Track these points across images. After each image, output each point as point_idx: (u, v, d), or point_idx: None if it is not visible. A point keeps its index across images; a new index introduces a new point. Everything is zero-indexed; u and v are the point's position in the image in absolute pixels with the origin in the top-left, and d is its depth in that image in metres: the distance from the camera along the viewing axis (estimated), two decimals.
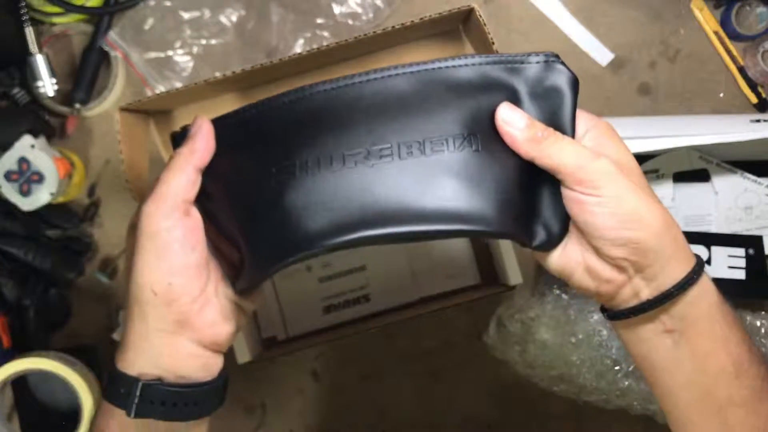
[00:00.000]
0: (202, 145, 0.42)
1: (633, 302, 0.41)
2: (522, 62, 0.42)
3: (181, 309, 0.41)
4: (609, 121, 0.43)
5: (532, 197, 0.43)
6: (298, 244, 0.41)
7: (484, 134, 0.42)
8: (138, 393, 0.39)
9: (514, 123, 0.41)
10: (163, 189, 0.41)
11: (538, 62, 0.42)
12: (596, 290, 0.43)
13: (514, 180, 0.42)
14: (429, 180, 0.41)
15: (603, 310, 0.44)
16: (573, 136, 0.42)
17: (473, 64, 0.42)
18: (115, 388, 0.40)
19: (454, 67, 0.42)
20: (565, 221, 0.42)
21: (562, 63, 0.42)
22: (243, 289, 0.44)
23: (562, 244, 0.43)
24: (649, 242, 0.39)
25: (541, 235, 0.43)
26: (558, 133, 0.41)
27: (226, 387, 0.45)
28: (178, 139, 0.44)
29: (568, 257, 0.43)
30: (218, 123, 0.44)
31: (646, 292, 0.41)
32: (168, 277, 0.40)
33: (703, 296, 0.41)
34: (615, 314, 0.43)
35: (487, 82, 0.42)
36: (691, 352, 0.41)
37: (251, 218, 0.42)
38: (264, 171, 0.42)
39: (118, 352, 0.41)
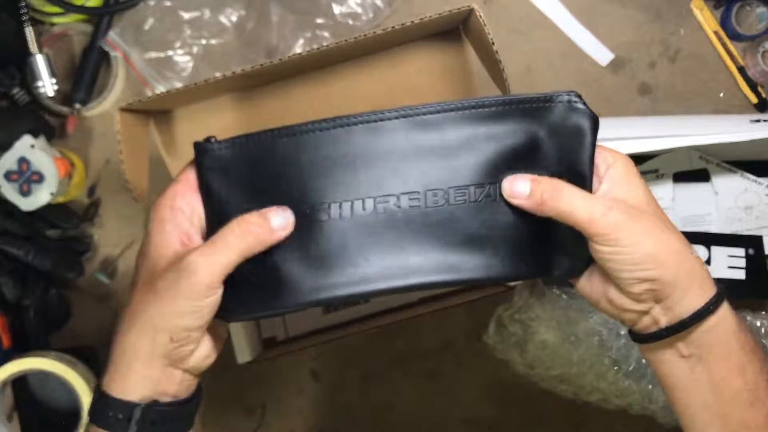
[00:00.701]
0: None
1: (652, 329, 0.43)
2: (543, 103, 0.43)
3: (184, 350, 0.42)
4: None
5: (552, 238, 0.44)
6: (315, 290, 0.42)
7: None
8: (139, 416, 0.41)
9: (519, 195, 0.42)
10: (219, 260, 0.40)
11: (560, 102, 0.43)
12: (618, 317, 0.44)
13: (533, 226, 0.43)
14: (451, 229, 0.42)
15: (629, 331, 0.46)
16: (591, 174, 0.43)
17: (494, 105, 0.43)
18: (111, 414, 0.41)
19: (475, 107, 0.42)
20: (586, 256, 0.43)
21: (583, 102, 0.43)
22: (231, 320, 0.44)
23: (587, 274, 0.45)
24: (665, 277, 0.41)
25: (561, 269, 0.45)
26: (567, 187, 0.41)
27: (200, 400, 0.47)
28: (201, 151, 0.43)
29: (593, 287, 0.45)
30: (240, 141, 0.43)
31: (664, 321, 0.42)
32: (193, 330, 0.41)
33: (721, 325, 0.42)
34: (636, 338, 0.45)
35: (507, 125, 0.43)
36: (707, 377, 0.42)
37: (264, 255, 0.42)
38: (289, 205, 0.42)
39: (110, 379, 0.41)
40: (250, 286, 0.42)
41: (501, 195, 0.43)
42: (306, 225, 0.42)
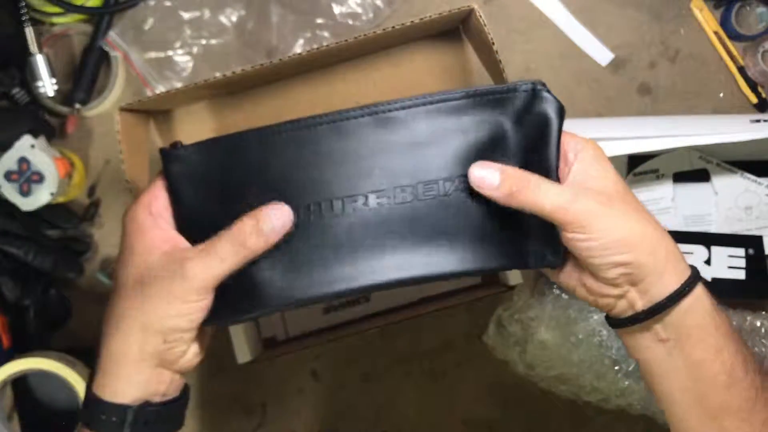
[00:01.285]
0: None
1: (629, 312, 0.43)
2: (508, 93, 0.43)
3: (177, 351, 0.42)
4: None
5: (526, 229, 0.44)
6: (289, 292, 0.42)
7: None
8: (132, 418, 0.41)
9: (488, 183, 0.41)
10: (217, 269, 0.40)
11: (525, 91, 0.43)
12: (594, 303, 0.44)
13: (505, 217, 0.43)
14: (422, 224, 0.42)
15: (606, 316, 0.46)
16: (558, 162, 0.43)
17: (459, 98, 0.43)
18: (104, 417, 0.41)
19: (441, 101, 0.43)
20: (561, 246, 0.43)
21: (548, 91, 0.43)
22: (214, 324, 0.44)
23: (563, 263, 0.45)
24: (639, 260, 0.41)
25: (538, 260, 0.44)
26: (535, 178, 0.41)
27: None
28: (168, 157, 0.43)
29: (569, 274, 0.45)
30: (207, 145, 0.43)
31: (640, 304, 0.42)
32: (186, 331, 0.41)
33: (697, 307, 0.42)
34: (613, 323, 0.45)
35: (473, 117, 0.43)
36: (684, 361, 0.42)
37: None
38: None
39: (100, 383, 0.42)
40: (227, 291, 0.42)
41: (471, 187, 0.42)
42: None
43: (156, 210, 0.43)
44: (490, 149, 0.43)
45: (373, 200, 0.42)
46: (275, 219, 0.41)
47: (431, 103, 0.43)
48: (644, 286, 0.41)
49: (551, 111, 0.42)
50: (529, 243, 0.44)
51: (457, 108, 0.43)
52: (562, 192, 0.41)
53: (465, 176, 0.42)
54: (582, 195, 0.41)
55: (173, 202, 0.43)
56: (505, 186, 0.41)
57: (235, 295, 0.42)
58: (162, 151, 0.43)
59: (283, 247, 0.42)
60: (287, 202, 0.42)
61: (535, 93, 0.43)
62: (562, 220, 0.40)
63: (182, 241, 0.42)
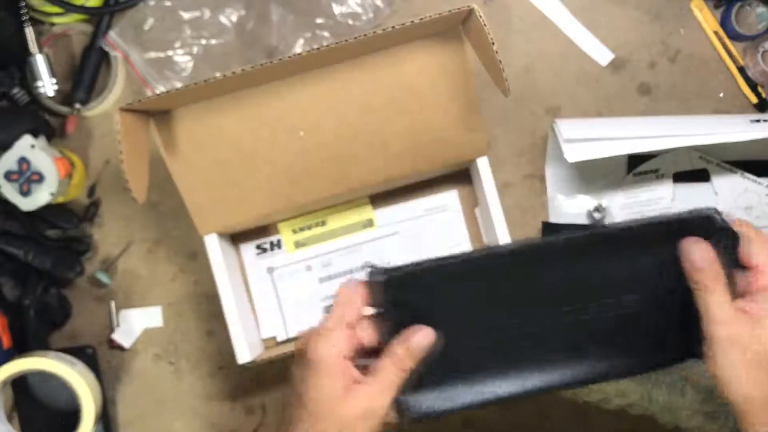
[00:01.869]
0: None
1: None
2: (684, 222, 0.45)
3: None
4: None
5: (692, 332, 0.47)
6: (480, 392, 0.48)
7: (648, 291, 0.47)
8: None
9: (695, 265, 0.44)
10: (392, 393, 0.46)
11: (700, 220, 0.45)
12: None
13: (668, 326, 0.48)
14: (598, 337, 0.48)
15: None
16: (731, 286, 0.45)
17: (636, 226, 0.46)
18: None
19: (620, 229, 0.46)
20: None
21: (723, 220, 0.45)
22: (417, 420, 0.48)
23: None
24: (736, 406, 0.43)
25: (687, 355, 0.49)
26: (721, 287, 0.44)
27: None
28: (382, 280, 0.46)
29: None
30: (409, 268, 0.47)
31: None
32: None
33: None
34: None
35: (651, 245, 0.46)
36: None
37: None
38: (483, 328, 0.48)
39: None
40: (424, 388, 0.47)
41: (644, 302, 0.47)
42: (474, 344, 0.48)
43: (339, 351, 0.47)
44: (664, 275, 0.46)
45: (555, 319, 0.47)
46: (422, 339, 0.46)
47: (609, 231, 0.47)
48: (741, 425, 0.44)
49: (724, 240, 0.45)
50: (688, 343, 0.47)
51: (634, 237, 0.46)
52: (724, 313, 0.43)
53: (637, 296, 0.47)
54: (730, 325, 0.43)
55: (381, 321, 0.47)
56: (709, 276, 0.44)
57: (435, 397, 0.48)
58: (371, 271, 0.47)
59: (488, 356, 0.48)
60: (476, 322, 0.47)
61: (709, 220, 0.45)
62: (707, 331, 0.44)
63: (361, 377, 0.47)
